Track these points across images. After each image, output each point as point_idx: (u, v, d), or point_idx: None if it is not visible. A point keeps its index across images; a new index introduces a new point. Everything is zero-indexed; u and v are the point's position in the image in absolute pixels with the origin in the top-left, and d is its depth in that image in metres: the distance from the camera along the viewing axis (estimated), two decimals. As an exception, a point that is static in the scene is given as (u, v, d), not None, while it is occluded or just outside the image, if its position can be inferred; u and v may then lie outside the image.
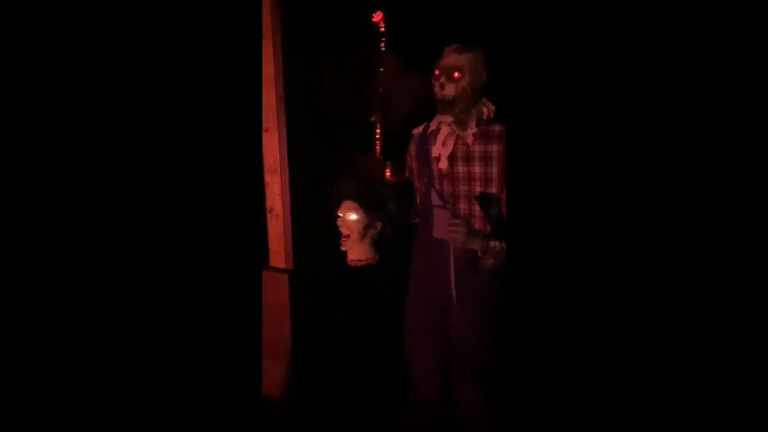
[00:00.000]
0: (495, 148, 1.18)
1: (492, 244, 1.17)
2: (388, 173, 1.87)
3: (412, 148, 1.38)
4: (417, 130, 1.37)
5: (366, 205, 1.46)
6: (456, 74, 1.19)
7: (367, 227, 1.46)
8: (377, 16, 1.98)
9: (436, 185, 1.28)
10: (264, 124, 1.43)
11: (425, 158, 1.30)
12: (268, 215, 1.48)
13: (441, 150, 1.25)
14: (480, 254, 1.20)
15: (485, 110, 1.23)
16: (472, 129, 1.22)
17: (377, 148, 1.97)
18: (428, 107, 1.33)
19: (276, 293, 1.46)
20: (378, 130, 1.97)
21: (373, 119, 1.97)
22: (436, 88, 1.22)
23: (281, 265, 1.49)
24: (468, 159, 1.22)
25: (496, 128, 1.19)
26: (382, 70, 1.96)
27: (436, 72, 1.21)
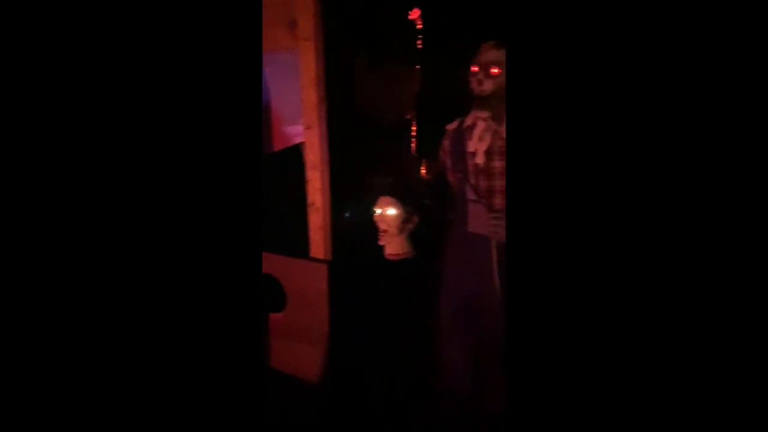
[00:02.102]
0: None
1: None
2: (423, 170, 1.90)
3: (446, 144, 1.40)
4: (451, 126, 1.39)
5: (403, 201, 1.50)
6: (494, 70, 1.20)
7: (404, 222, 1.50)
8: (414, 14, 2.01)
9: (472, 180, 1.30)
10: (306, 122, 1.50)
11: (460, 153, 1.32)
12: (309, 209, 1.55)
13: (478, 145, 1.27)
14: None
15: (522, 105, 1.23)
16: (509, 124, 1.23)
17: (413, 145, 2.00)
18: (464, 104, 1.35)
19: (315, 282, 1.54)
20: (413, 128, 2.00)
21: (408, 117, 2.00)
22: (473, 84, 1.24)
23: (320, 255, 1.56)
24: (505, 154, 1.23)
25: None
26: (418, 67, 1.98)
27: (474, 68, 1.23)
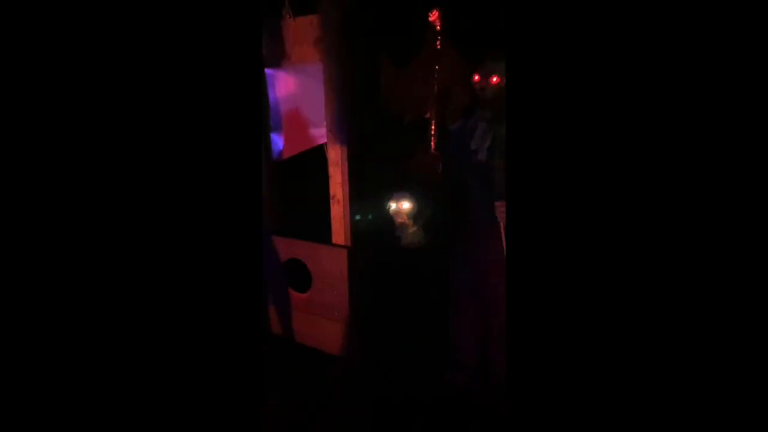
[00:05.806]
0: None
1: None
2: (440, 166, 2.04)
3: (451, 142, 1.56)
4: (454, 127, 1.55)
5: (419, 195, 1.67)
6: (494, 79, 1.35)
7: (418, 214, 1.67)
8: (433, 15, 2.13)
9: (474, 174, 1.44)
10: (329, 126, 1.69)
11: (464, 151, 1.47)
12: (331, 201, 1.75)
13: (480, 143, 1.42)
14: None
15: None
16: (508, 125, 1.36)
17: (432, 143, 2.14)
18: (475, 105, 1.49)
19: (337, 266, 1.74)
20: (432, 127, 2.13)
21: (427, 116, 2.14)
22: (477, 91, 1.39)
23: (341, 242, 1.76)
24: (504, 151, 1.37)
25: None
26: (437, 67, 2.11)
27: (476, 78, 1.38)
